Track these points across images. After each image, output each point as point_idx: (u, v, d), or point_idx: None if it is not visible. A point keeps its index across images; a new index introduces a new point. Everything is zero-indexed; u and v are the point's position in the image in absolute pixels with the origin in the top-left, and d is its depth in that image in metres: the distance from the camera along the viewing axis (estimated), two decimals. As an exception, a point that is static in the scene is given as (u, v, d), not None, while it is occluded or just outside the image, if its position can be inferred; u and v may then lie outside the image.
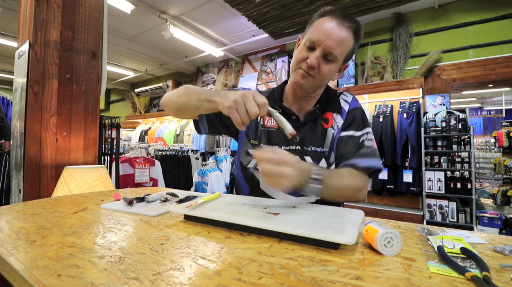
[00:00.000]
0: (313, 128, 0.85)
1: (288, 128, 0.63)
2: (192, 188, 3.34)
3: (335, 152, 0.84)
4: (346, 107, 0.87)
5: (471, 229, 2.65)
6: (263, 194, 0.86)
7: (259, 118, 0.89)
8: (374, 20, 3.63)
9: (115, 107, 7.77)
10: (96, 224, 0.59)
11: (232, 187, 3.59)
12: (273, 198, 0.85)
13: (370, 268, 0.39)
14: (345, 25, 0.73)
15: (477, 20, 3.05)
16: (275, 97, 0.90)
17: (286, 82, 0.92)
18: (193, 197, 0.78)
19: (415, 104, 3.11)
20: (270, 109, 0.65)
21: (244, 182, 0.91)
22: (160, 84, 6.00)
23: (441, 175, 2.83)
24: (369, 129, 0.85)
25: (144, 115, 6.33)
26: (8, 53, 5.06)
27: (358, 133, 0.82)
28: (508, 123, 4.54)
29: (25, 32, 1.57)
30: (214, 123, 0.89)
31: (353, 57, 3.65)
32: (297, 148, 0.84)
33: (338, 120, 0.85)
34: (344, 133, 0.83)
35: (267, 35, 3.72)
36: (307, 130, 0.85)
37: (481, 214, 2.87)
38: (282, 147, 0.84)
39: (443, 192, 2.79)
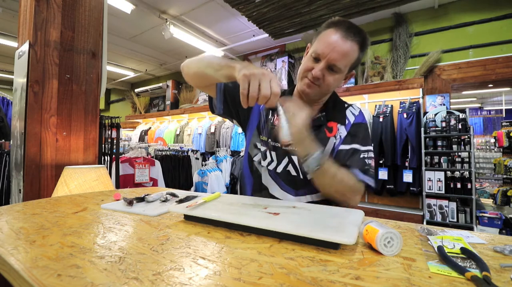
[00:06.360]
0: (316, 134, 0.85)
1: (283, 135, 0.62)
2: (192, 188, 3.34)
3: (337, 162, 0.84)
4: (351, 119, 0.88)
5: (471, 229, 2.64)
6: (266, 187, 0.88)
7: (270, 116, 0.91)
8: (374, 20, 3.62)
9: (115, 107, 7.77)
10: (96, 224, 0.58)
11: (233, 187, 3.60)
12: (274, 197, 0.85)
13: (370, 268, 0.39)
14: (350, 38, 0.75)
15: (477, 20, 3.05)
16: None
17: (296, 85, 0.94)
18: (193, 197, 0.78)
19: (415, 104, 3.11)
20: (280, 106, 0.65)
21: (249, 173, 0.93)
22: (160, 84, 5.99)
23: (441, 175, 2.82)
24: (371, 147, 0.85)
25: (144, 115, 6.32)
26: (8, 53, 5.06)
27: (362, 148, 0.82)
28: (508, 123, 4.54)
29: (25, 32, 1.57)
30: (228, 103, 0.90)
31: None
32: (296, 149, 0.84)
33: (342, 131, 0.86)
34: (347, 146, 0.83)
35: (267, 35, 3.71)
36: None
37: (481, 214, 2.87)
38: (285, 146, 0.85)
39: (443, 192, 2.79)
